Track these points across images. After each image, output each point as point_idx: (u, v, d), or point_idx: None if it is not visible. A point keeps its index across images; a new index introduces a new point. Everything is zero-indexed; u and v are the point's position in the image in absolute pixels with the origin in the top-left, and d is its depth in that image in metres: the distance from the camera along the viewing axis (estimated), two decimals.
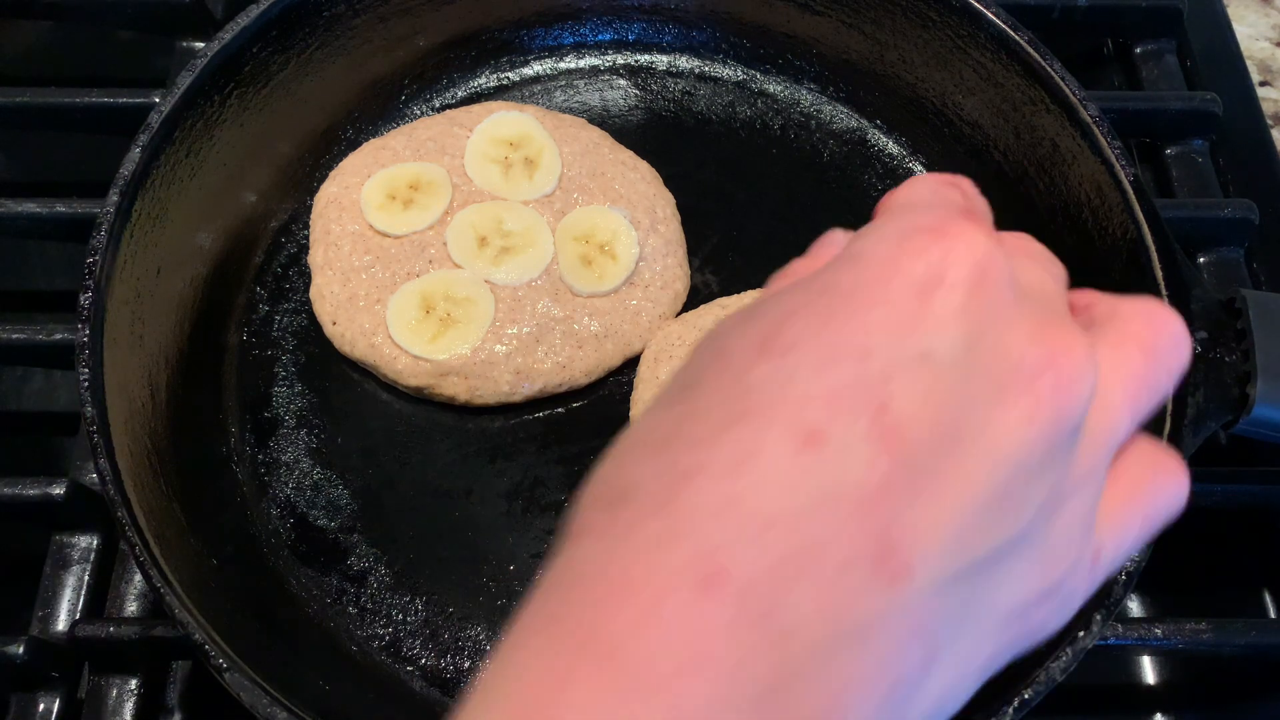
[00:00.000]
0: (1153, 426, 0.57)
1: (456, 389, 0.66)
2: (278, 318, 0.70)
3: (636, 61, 0.80)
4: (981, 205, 0.39)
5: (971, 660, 0.33)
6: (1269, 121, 0.84)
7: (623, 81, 0.79)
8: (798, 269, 0.39)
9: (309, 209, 0.72)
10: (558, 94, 0.79)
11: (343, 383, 0.68)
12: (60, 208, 0.71)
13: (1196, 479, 0.64)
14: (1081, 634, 0.51)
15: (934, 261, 0.32)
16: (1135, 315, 0.38)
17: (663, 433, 0.32)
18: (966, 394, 0.31)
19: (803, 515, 0.29)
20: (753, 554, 0.29)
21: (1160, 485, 0.39)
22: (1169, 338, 0.38)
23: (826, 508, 0.29)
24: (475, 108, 0.75)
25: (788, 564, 0.29)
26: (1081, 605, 0.36)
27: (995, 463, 0.31)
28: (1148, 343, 0.37)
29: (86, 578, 0.63)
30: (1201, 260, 0.76)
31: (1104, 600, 0.52)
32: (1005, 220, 0.77)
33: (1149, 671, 0.64)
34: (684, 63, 0.80)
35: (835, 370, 0.31)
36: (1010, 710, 0.50)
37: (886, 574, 0.29)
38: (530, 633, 0.30)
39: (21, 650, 0.58)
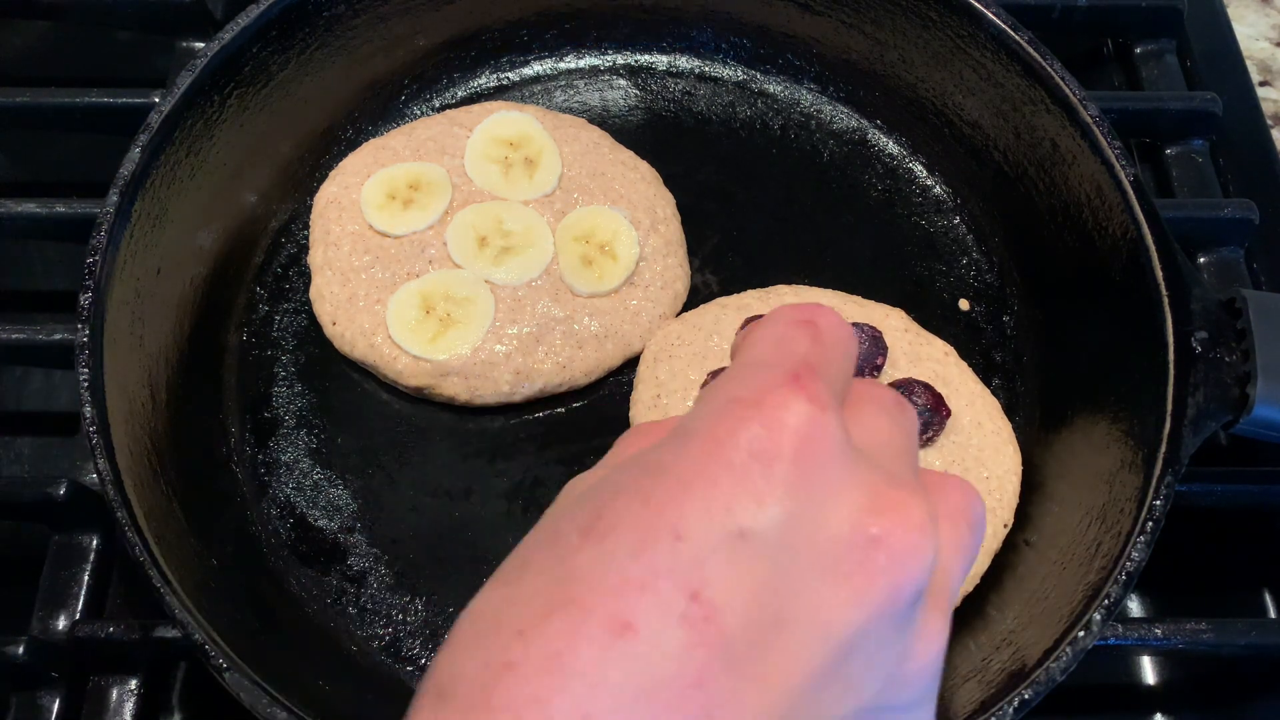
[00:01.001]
0: (1153, 426, 0.57)
1: (456, 389, 0.66)
2: (278, 318, 0.70)
3: (636, 61, 0.80)
4: (835, 346, 0.37)
5: None
6: (1269, 121, 0.84)
7: (623, 81, 0.79)
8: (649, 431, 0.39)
9: (309, 209, 0.72)
10: (558, 94, 0.79)
11: (343, 383, 0.68)
12: (60, 208, 0.71)
13: (1197, 479, 0.65)
14: (1081, 634, 0.51)
15: (751, 437, 0.32)
16: (955, 489, 0.37)
17: (488, 620, 0.32)
18: (791, 573, 0.31)
19: (616, 710, 0.29)
20: None
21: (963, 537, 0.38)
22: (980, 515, 0.38)
23: (641, 701, 0.29)
24: (475, 108, 0.75)
25: None
26: None
27: (825, 643, 0.30)
28: (972, 518, 0.37)
29: (86, 578, 0.63)
30: (1201, 260, 0.76)
31: (1104, 600, 0.52)
32: (1005, 220, 0.78)
33: (1149, 671, 0.64)
34: (684, 63, 0.80)
35: (649, 555, 0.30)
36: (1010, 710, 0.50)
37: None
38: None
39: (21, 650, 0.58)
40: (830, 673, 0.31)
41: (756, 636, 0.30)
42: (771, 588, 0.30)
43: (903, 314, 0.68)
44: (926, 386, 0.62)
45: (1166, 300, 0.59)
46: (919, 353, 0.66)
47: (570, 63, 0.80)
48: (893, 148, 0.77)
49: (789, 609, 0.30)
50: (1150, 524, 0.54)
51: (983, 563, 0.60)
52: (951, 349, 0.67)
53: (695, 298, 0.70)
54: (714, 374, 0.63)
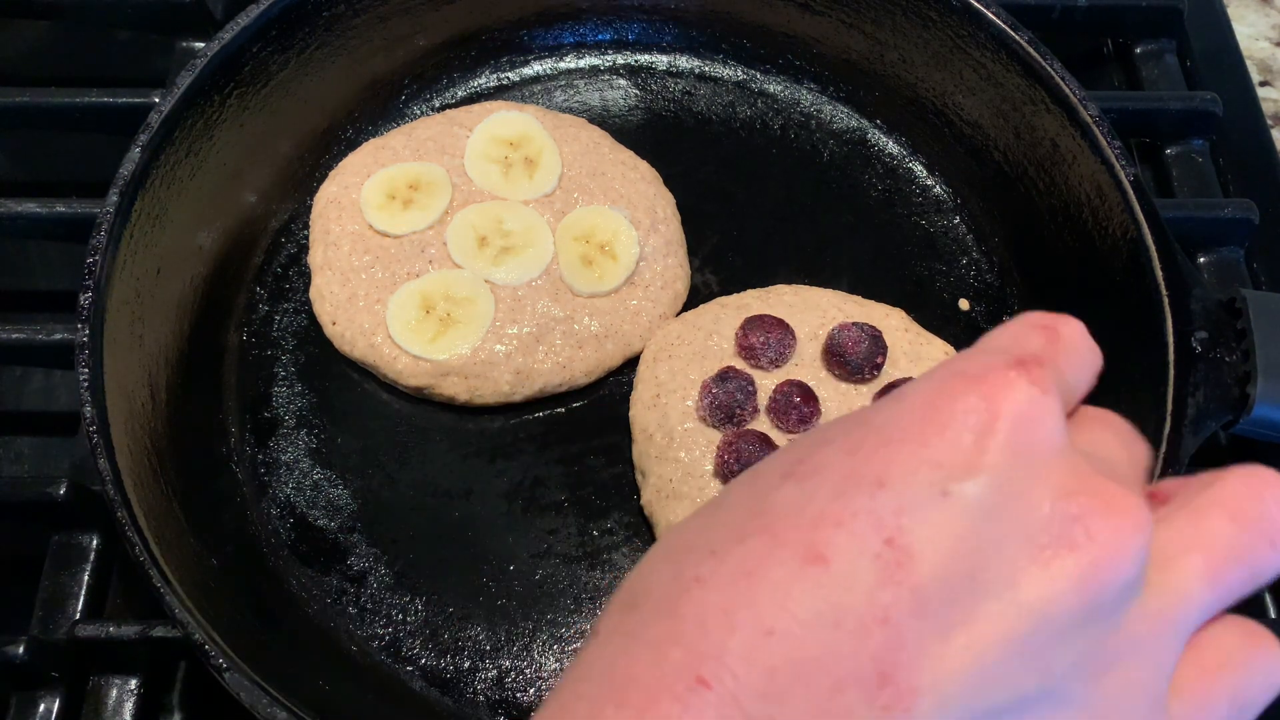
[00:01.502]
0: (1153, 426, 0.57)
1: (456, 389, 0.66)
2: (278, 318, 0.70)
3: (636, 61, 0.80)
4: (1072, 352, 0.36)
5: None
6: (1269, 121, 0.84)
7: (623, 81, 0.79)
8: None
9: (309, 209, 0.72)
10: (558, 94, 0.79)
11: (343, 383, 0.68)
12: (60, 208, 0.71)
13: None
14: None
15: (968, 407, 0.32)
16: (1231, 480, 0.36)
17: (682, 542, 0.33)
18: (991, 539, 0.31)
19: (799, 630, 0.30)
20: (742, 663, 0.29)
21: (1254, 665, 0.35)
22: (1268, 502, 0.35)
23: (824, 626, 0.30)
24: (475, 107, 0.75)
25: (778, 676, 0.29)
26: None
27: (1019, 615, 0.30)
28: (1240, 510, 0.35)
29: (86, 578, 0.63)
30: (1201, 260, 0.76)
31: None
32: (1005, 220, 0.77)
33: None
34: (684, 63, 0.80)
35: (850, 497, 0.31)
36: None
37: (883, 701, 0.29)
38: None
39: (21, 650, 0.58)
40: (1020, 645, 0.30)
41: (948, 592, 0.30)
42: (969, 549, 0.30)
43: (903, 314, 0.68)
44: None
45: (1166, 300, 0.59)
46: (919, 352, 0.66)
47: (570, 63, 0.80)
48: (893, 148, 0.77)
49: (984, 573, 0.30)
50: None
51: None
52: (951, 349, 0.67)
53: (695, 298, 0.70)
54: (721, 374, 0.63)
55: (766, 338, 0.64)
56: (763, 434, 0.61)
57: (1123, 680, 0.32)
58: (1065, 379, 0.35)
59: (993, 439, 0.31)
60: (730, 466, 0.60)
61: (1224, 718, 0.35)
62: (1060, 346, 0.35)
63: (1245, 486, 0.35)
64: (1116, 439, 0.37)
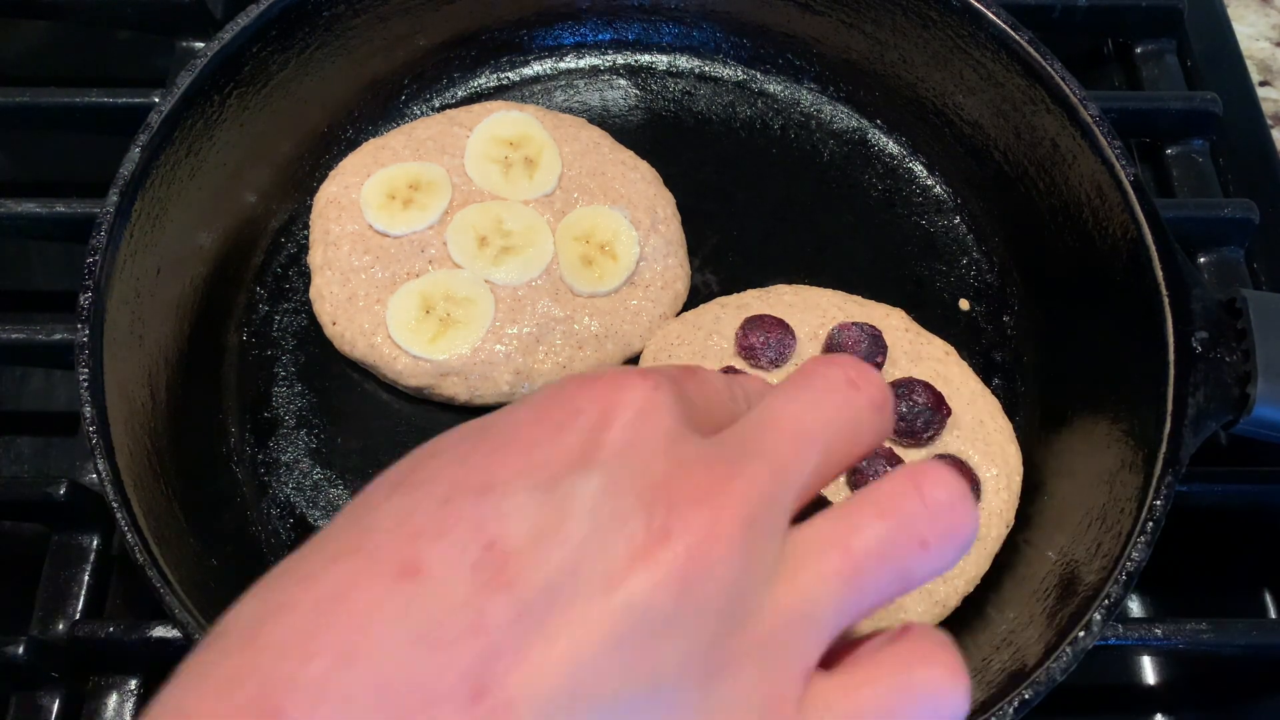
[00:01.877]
0: (1153, 426, 0.57)
1: (456, 389, 0.66)
2: (278, 318, 0.70)
3: (636, 61, 0.80)
4: (703, 380, 0.36)
5: None
6: (1269, 121, 0.84)
7: (623, 81, 0.79)
8: None
9: (309, 209, 0.72)
10: (558, 94, 0.79)
11: (343, 383, 0.68)
12: (60, 208, 0.71)
13: (1197, 479, 0.65)
14: (1082, 634, 0.51)
15: (579, 408, 0.31)
16: (891, 476, 0.34)
17: (279, 571, 0.31)
18: (594, 536, 0.29)
19: (384, 652, 0.28)
20: (317, 691, 0.27)
21: (918, 686, 0.32)
22: (922, 499, 0.33)
23: (413, 644, 0.28)
24: (475, 107, 0.75)
25: (355, 704, 0.27)
26: None
27: (617, 612, 0.29)
28: (890, 506, 0.33)
29: (86, 578, 0.63)
30: (1202, 260, 0.76)
31: (1104, 600, 0.52)
32: (1005, 220, 0.78)
33: (1149, 671, 0.64)
34: (684, 63, 0.80)
35: (453, 505, 0.30)
36: (1011, 710, 0.50)
37: (479, 714, 0.27)
38: None
39: (21, 650, 0.58)
40: (616, 643, 0.29)
41: (549, 594, 0.29)
42: (572, 548, 0.29)
43: (903, 314, 0.68)
44: (927, 386, 0.62)
45: (1167, 300, 0.59)
46: (919, 352, 0.66)
47: (570, 63, 0.80)
48: (893, 148, 0.77)
49: (586, 571, 0.29)
50: (1150, 524, 0.54)
51: (983, 563, 0.60)
52: (951, 349, 0.67)
53: (695, 298, 0.70)
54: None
55: (766, 338, 0.64)
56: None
57: (743, 684, 0.31)
58: (687, 394, 0.34)
59: (601, 434, 0.31)
60: None
61: None
62: (691, 374, 0.35)
63: (901, 482, 0.33)
64: (727, 390, 0.36)
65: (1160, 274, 0.60)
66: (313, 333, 0.69)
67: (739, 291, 0.69)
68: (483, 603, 0.28)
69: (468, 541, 0.29)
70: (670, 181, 0.74)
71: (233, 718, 0.27)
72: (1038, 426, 0.66)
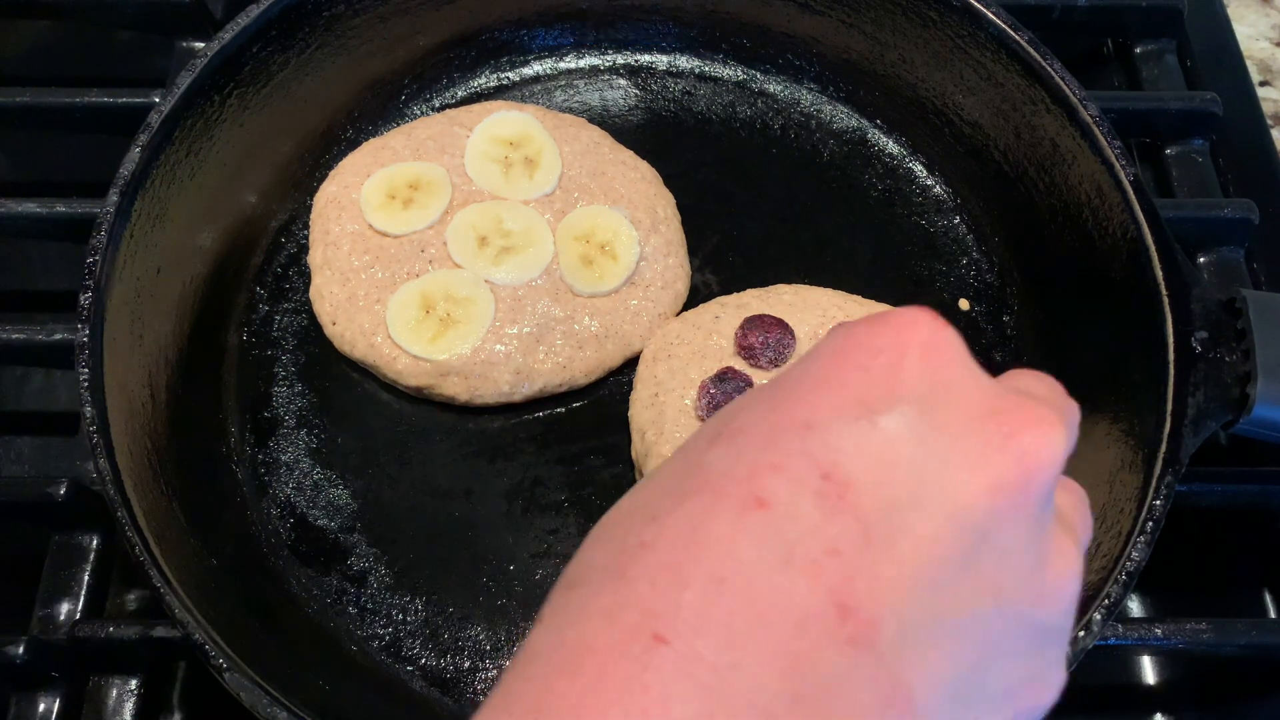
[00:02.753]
0: (1153, 426, 0.57)
1: (456, 389, 0.66)
2: (278, 318, 0.70)
3: (636, 61, 0.80)
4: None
5: None
6: (1269, 121, 0.84)
7: (623, 81, 0.79)
8: None
9: (309, 209, 0.72)
10: (558, 94, 0.79)
11: (343, 383, 0.68)
12: (60, 208, 0.71)
13: (1197, 479, 0.65)
14: (1082, 634, 0.51)
15: (877, 346, 0.33)
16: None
17: (619, 517, 0.33)
18: (924, 458, 0.31)
19: (752, 575, 0.29)
20: (699, 616, 0.29)
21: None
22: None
23: (776, 567, 0.29)
24: (475, 107, 0.75)
25: (737, 624, 0.29)
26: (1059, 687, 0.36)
27: (957, 525, 0.31)
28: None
29: (86, 578, 0.63)
30: (1201, 260, 0.76)
31: (1104, 600, 0.52)
32: (1005, 220, 0.77)
33: (1149, 671, 0.64)
34: (684, 63, 0.80)
35: (781, 443, 0.31)
36: None
37: (846, 632, 0.29)
38: (491, 712, 0.30)
39: (21, 650, 0.58)
40: (964, 557, 0.31)
41: (892, 514, 0.30)
42: (905, 469, 0.31)
43: None
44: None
45: (1166, 300, 0.59)
46: None
47: (570, 63, 0.80)
48: (893, 148, 0.77)
49: (923, 490, 0.31)
50: (1150, 524, 0.54)
51: None
52: None
53: (695, 297, 0.70)
54: (719, 375, 0.63)
55: (766, 337, 0.64)
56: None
57: (1055, 581, 0.34)
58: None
59: (906, 368, 0.32)
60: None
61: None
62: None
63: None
64: (1042, 384, 0.38)
65: (1160, 274, 0.60)
66: (313, 333, 0.69)
67: (739, 291, 0.69)
68: (832, 526, 0.30)
69: (805, 472, 0.31)
70: (670, 181, 0.74)
71: (619, 646, 0.29)
72: None
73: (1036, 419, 0.33)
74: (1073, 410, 0.36)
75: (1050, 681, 0.35)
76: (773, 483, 0.30)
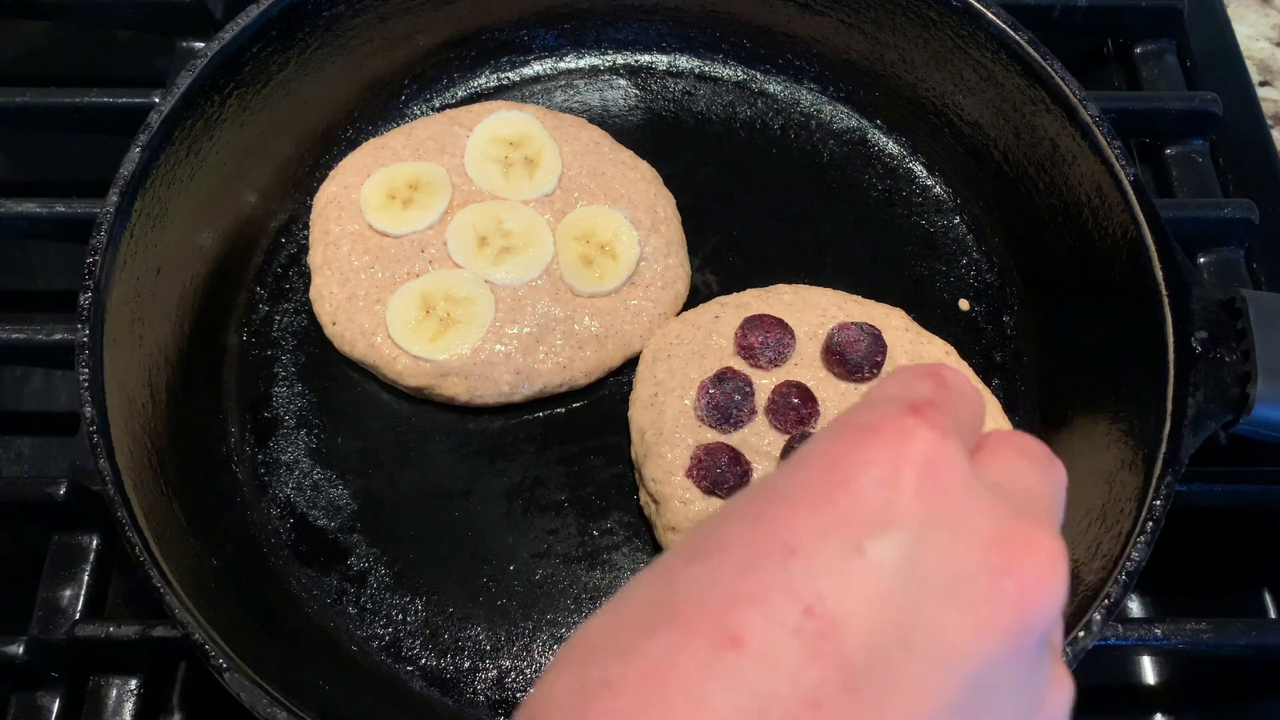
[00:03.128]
0: (1153, 426, 0.57)
1: (456, 389, 0.66)
2: (278, 318, 0.70)
3: (636, 61, 0.80)
4: (961, 395, 0.35)
5: None
6: (1269, 121, 0.84)
7: (623, 81, 0.79)
8: None
9: (309, 209, 0.72)
10: (558, 94, 0.79)
11: (343, 383, 0.68)
12: (60, 208, 0.71)
13: (1196, 479, 0.65)
14: (1082, 634, 0.51)
15: (871, 459, 0.31)
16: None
17: (586, 643, 0.30)
18: (915, 596, 0.29)
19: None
20: None
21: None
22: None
23: (751, 717, 0.27)
24: (475, 107, 0.75)
25: None
26: None
27: (950, 675, 0.29)
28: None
29: (86, 578, 0.63)
30: (1201, 260, 0.76)
31: (1104, 600, 0.52)
32: (1005, 220, 0.77)
33: (1149, 671, 0.64)
34: (684, 63, 0.80)
35: (761, 570, 0.29)
36: None
37: None
38: None
39: (21, 650, 0.58)
40: (956, 707, 0.29)
41: (878, 659, 0.28)
42: (894, 608, 0.29)
43: (903, 314, 0.68)
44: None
45: (1166, 300, 0.59)
46: (919, 352, 0.66)
47: (570, 63, 0.80)
48: (893, 148, 0.77)
49: (912, 634, 0.28)
50: (1150, 524, 0.54)
51: None
52: (952, 349, 0.67)
53: (695, 297, 0.70)
54: (719, 375, 0.63)
55: (765, 337, 0.64)
56: (732, 449, 0.61)
57: (1051, 702, 0.32)
58: (960, 419, 0.34)
59: (901, 489, 0.30)
60: (698, 477, 0.60)
61: None
62: (948, 387, 0.34)
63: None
64: (1028, 464, 0.36)
65: (1160, 274, 0.60)
66: (313, 333, 0.69)
67: (739, 291, 0.69)
68: (812, 673, 0.27)
69: (785, 607, 0.28)
70: (670, 181, 0.74)
71: None
72: (1038, 426, 0.66)
73: (1036, 554, 0.30)
74: (1061, 480, 0.36)
75: None
76: (748, 616, 0.28)
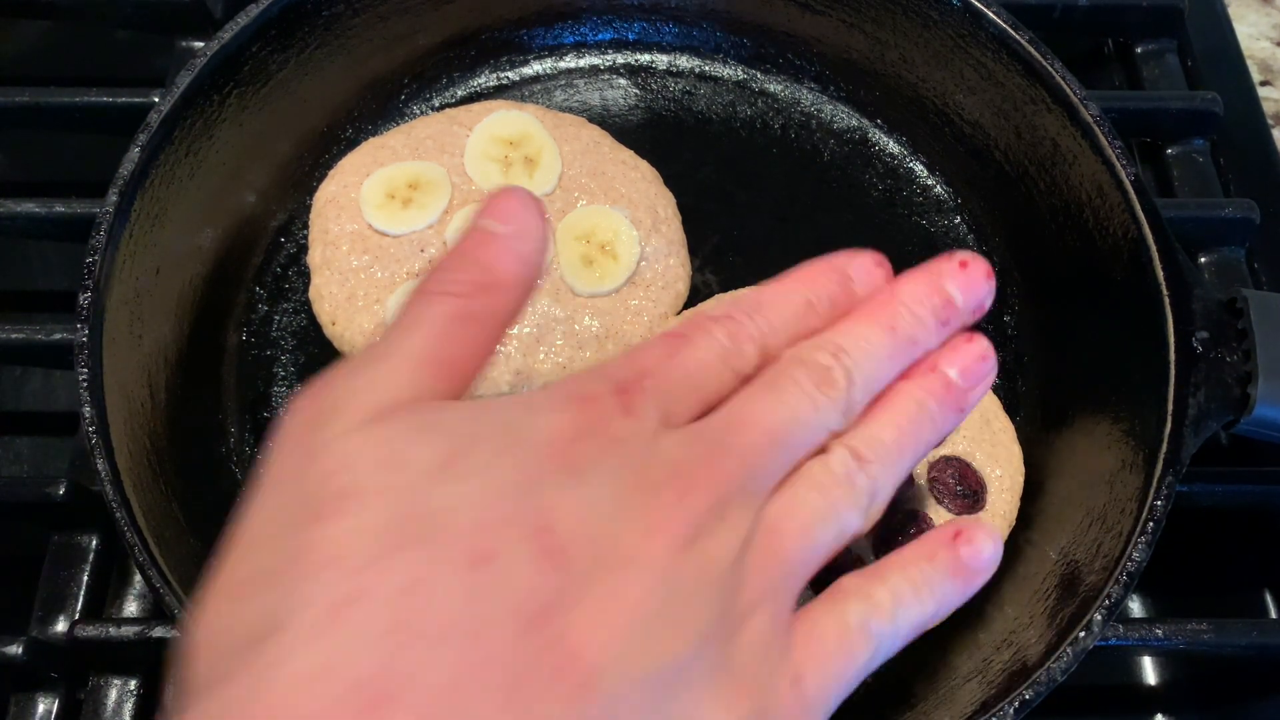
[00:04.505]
0: (1153, 426, 0.57)
1: None
2: (277, 318, 0.70)
3: (636, 61, 0.80)
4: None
5: None
6: (1270, 121, 0.84)
7: (623, 81, 0.79)
8: None
9: (309, 209, 0.72)
10: (558, 93, 0.79)
11: None
12: (60, 208, 0.71)
13: (1197, 479, 0.65)
14: (1082, 634, 0.51)
15: (577, 417, 0.35)
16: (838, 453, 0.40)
17: (311, 554, 0.31)
18: (624, 518, 0.33)
19: (476, 630, 0.29)
20: (424, 673, 0.28)
21: (862, 614, 0.38)
22: (852, 465, 0.39)
23: (500, 622, 0.30)
24: (475, 106, 0.75)
25: (462, 680, 0.29)
26: None
27: (651, 580, 0.32)
28: (831, 476, 0.39)
29: (86, 578, 0.63)
30: (1202, 260, 0.76)
31: (1104, 601, 0.52)
32: (1005, 220, 0.77)
33: (1149, 672, 0.64)
34: (684, 62, 0.80)
35: (505, 500, 0.32)
36: (1011, 710, 0.50)
37: (569, 683, 0.30)
38: None
39: (21, 650, 0.58)
40: (658, 608, 0.32)
41: (598, 568, 0.32)
42: (607, 529, 0.33)
43: None
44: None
45: (1167, 300, 0.59)
46: None
47: (570, 62, 0.80)
48: (893, 147, 0.77)
49: (622, 548, 0.33)
50: (1151, 524, 0.54)
51: None
52: None
53: (695, 297, 0.70)
54: None
55: None
56: None
57: (749, 637, 0.35)
58: (665, 388, 0.38)
59: (601, 435, 0.35)
60: None
61: (838, 664, 0.37)
62: (679, 355, 0.39)
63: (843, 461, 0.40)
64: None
65: (1161, 274, 0.60)
66: (313, 333, 0.69)
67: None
68: (551, 583, 0.31)
69: (525, 530, 0.32)
70: (670, 181, 0.74)
71: (333, 709, 0.27)
72: (1038, 426, 0.66)
73: (710, 505, 0.35)
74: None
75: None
76: (495, 539, 0.32)
